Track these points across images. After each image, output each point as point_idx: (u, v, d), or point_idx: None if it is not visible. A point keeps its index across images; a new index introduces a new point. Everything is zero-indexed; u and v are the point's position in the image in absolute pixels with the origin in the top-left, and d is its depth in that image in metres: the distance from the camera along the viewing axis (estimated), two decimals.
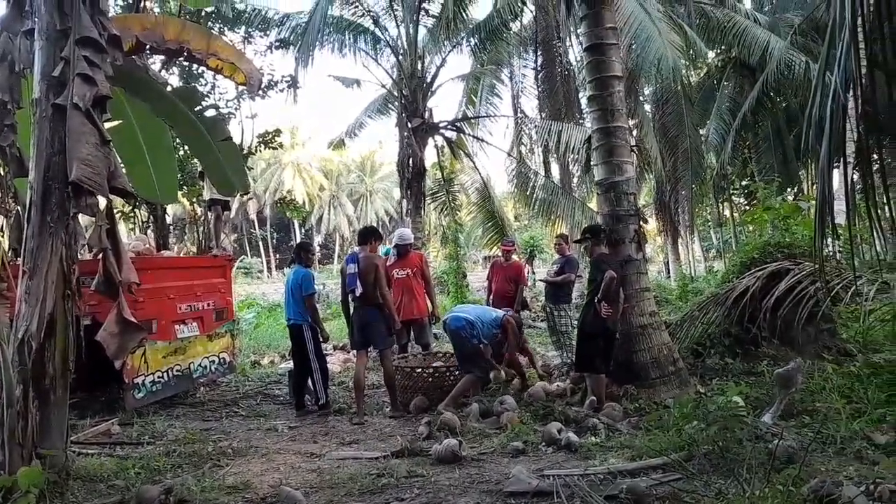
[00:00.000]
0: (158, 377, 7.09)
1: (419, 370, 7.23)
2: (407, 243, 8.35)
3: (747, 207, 20.86)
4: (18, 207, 4.98)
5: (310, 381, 7.09)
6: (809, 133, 3.52)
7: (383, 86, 15.83)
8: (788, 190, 17.01)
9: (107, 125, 4.65)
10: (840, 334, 7.25)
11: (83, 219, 4.86)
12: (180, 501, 4.11)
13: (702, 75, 20.82)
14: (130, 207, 12.05)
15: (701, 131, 18.47)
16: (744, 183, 21.44)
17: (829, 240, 6.20)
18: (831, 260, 7.37)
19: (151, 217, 12.63)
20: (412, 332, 8.44)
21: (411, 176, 14.22)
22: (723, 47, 18.34)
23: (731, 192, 22.67)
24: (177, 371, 7.39)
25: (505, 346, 7.25)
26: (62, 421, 4.37)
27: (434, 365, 7.46)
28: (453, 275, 17.76)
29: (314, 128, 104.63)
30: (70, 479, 4.39)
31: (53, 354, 4.24)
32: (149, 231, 12.50)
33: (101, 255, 4.51)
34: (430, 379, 7.02)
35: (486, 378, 7.01)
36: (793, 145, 17.75)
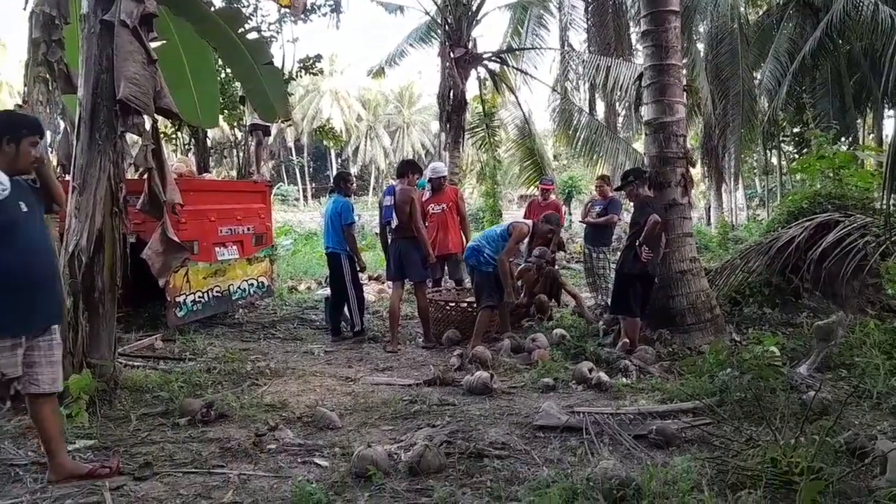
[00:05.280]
0: (199, 297, 7.30)
1: (452, 304, 7.29)
2: (440, 176, 8.24)
3: (796, 156, 20.11)
4: (66, 124, 5.04)
5: (346, 309, 7.23)
6: (891, 76, 3.31)
7: (427, 13, 15.36)
8: (843, 139, 16.29)
9: (152, 45, 4.63)
10: (886, 290, 7.06)
11: (128, 138, 4.91)
12: (221, 416, 4.28)
13: (761, 14, 19.75)
14: (173, 129, 12.13)
15: (755, 74, 17.66)
16: (795, 130, 20.61)
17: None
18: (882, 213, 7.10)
19: (192, 140, 12.73)
20: (446, 267, 8.47)
21: (451, 108, 13.92)
22: None
23: (781, 139, 21.82)
24: (217, 292, 7.58)
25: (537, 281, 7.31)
26: (110, 333, 4.55)
27: (467, 300, 7.52)
28: (489, 212, 17.66)
29: (354, 55, 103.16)
30: (118, 388, 4.59)
31: (102, 269, 4.39)
32: (190, 154, 12.63)
33: (146, 175, 4.58)
34: (463, 314, 7.08)
35: (497, 305, 6.69)
36: (852, 92, 16.90)
